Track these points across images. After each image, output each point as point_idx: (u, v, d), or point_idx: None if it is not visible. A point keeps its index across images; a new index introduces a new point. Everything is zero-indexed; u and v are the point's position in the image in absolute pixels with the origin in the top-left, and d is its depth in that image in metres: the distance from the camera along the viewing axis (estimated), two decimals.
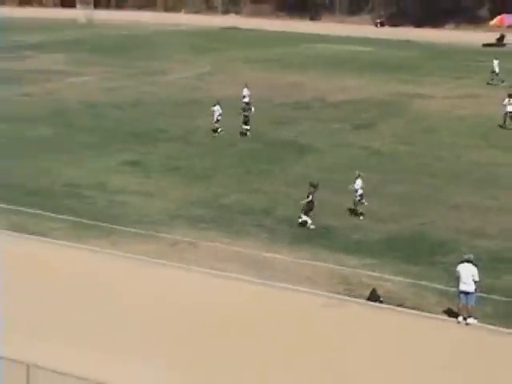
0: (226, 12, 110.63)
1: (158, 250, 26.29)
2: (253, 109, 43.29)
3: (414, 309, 22.21)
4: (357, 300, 22.66)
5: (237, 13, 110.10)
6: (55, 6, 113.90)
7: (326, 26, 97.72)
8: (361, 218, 29.70)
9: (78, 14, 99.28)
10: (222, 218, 29.57)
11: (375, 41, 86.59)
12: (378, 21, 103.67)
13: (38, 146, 38.84)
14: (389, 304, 22.37)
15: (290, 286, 23.43)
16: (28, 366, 16.52)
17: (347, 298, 22.88)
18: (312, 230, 28.32)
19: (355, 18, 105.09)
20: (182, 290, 23.26)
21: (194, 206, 30.80)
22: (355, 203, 30.06)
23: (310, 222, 28.64)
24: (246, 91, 47.63)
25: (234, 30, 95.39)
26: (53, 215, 29.20)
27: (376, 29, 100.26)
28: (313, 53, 76.74)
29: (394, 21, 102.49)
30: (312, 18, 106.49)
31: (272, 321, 21.40)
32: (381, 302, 22.44)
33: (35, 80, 56.16)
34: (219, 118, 42.24)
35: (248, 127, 41.77)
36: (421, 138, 42.81)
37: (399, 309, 22.20)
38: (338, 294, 23.16)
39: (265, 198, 31.15)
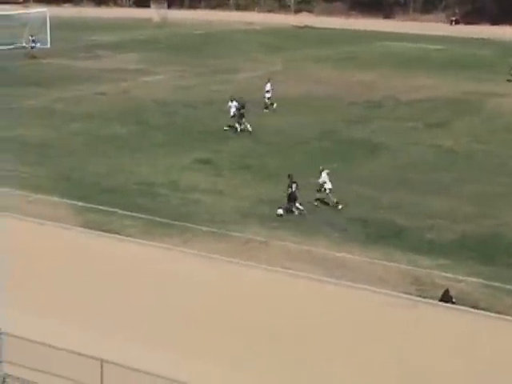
0: (298, 11, 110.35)
1: (229, 248, 26.39)
2: (275, 105, 46.25)
3: (487, 310, 21.83)
4: (429, 301, 22.38)
5: (309, 11, 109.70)
6: (130, 5, 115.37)
7: (399, 24, 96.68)
8: (339, 207, 30.07)
9: (153, 13, 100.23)
10: (293, 216, 29.51)
11: (450, 39, 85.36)
12: (453, 18, 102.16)
13: (112, 144, 39.38)
14: (462, 305, 22.03)
15: (361, 286, 23.27)
16: (102, 362, 16.78)
17: (419, 298, 22.61)
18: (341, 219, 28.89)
19: (429, 16, 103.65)
20: (252, 289, 23.29)
21: (265, 205, 30.82)
22: (319, 196, 30.56)
23: (283, 206, 29.37)
24: (268, 86, 47.89)
25: (306, 28, 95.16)
26: (126, 213, 29.56)
27: (450, 27, 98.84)
28: (386, 51, 76.06)
29: (469, 18, 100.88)
30: (385, 17, 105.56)
31: (342, 321, 21.27)
32: (453, 303, 22.11)
33: (110, 79, 56.91)
34: (235, 113, 42.36)
35: (246, 125, 41.91)
36: (496, 136, 42.06)
37: (473, 310, 21.84)
38: (410, 294, 22.91)
39: (336, 196, 30.95)
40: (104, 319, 21.19)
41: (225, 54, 70.61)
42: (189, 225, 28.40)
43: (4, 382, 18.31)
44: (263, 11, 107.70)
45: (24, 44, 69.35)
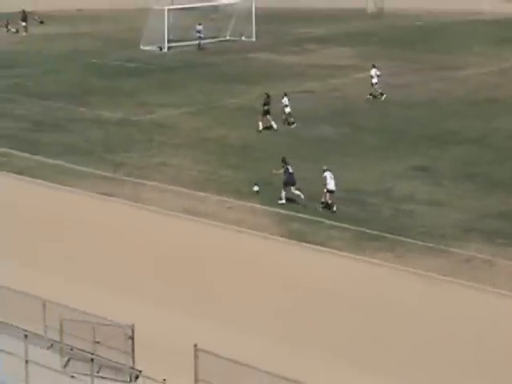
0: None
1: (448, 266, 26.02)
2: (384, 96, 47.96)
3: None
4: None
5: None
6: None
7: None
8: (334, 208, 30.84)
9: (368, 3, 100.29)
10: None
11: None
12: None
13: (319, 147, 39.66)
14: None
15: None
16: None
17: None
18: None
19: None
20: (473, 314, 22.80)
21: (490, 218, 30.08)
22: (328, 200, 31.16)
23: (283, 195, 31.56)
24: (373, 72, 49.74)
25: None
26: (333, 223, 29.71)
27: None
28: None
29: None
30: None
31: None
32: None
33: (319, 75, 57.36)
34: (288, 110, 43.35)
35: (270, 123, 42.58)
36: None
37: None
38: None
39: None
40: (303, 341, 21.43)
41: (446, 47, 69.45)
42: (402, 238, 28.19)
43: None
44: None
45: (228, 37, 71.28)
